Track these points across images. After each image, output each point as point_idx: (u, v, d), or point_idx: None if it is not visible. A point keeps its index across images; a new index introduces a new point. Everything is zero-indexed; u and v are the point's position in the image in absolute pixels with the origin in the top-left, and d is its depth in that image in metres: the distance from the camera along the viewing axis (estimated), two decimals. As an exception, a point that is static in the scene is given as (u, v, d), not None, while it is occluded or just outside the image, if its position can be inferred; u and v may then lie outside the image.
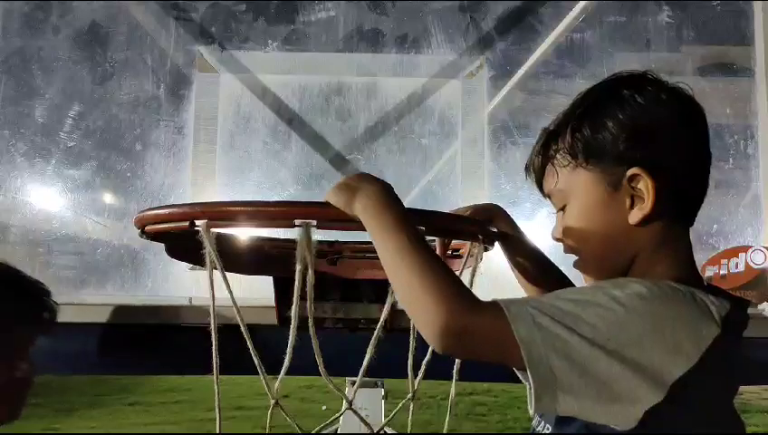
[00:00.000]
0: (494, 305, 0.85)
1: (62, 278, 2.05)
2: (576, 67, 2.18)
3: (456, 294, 0.86)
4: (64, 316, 1.89)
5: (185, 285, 2.01)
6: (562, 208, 1.01)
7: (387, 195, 1.00)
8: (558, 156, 0.99)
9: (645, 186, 0.91)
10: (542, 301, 0.86)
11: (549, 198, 1.05)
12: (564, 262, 1.24)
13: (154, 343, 1.97)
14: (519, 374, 0.92)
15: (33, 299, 1.30)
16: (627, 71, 1.00)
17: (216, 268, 1.14)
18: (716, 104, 2.06)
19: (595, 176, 0.95)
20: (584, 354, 0.80)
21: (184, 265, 1.92)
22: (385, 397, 2.07)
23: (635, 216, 0.92)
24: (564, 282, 1.23)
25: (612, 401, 0.80)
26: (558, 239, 1.03)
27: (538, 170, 1.04)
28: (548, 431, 0.96)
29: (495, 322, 0.83)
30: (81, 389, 9.20)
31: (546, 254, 1.26)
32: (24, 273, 1.31)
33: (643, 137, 0.92)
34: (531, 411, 0.87)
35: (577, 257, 1.01)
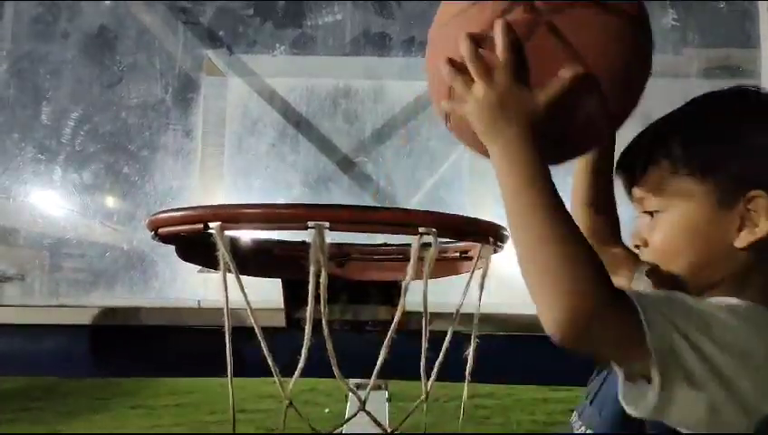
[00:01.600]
0: (629, 302, 0.77)
1: (72, 281, 2.07)
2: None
3: (600, 279, 0.77)
4: (74, 319, 1.91)
5: (193, 288, 2.02)
6: (651, 213, 0.95)
7: (528, 135, 0.84)
8: (667, 161, 0.93)
9: (764, 209, 0.86)
10: (672, 302, 0.81)
11: (638, 200, 0.98)
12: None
13: (163, 345, 1.98)
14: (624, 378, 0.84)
15: None
16: (752, 86, 0.96)
17: (229, 270, 1.15)
18: None
19: (706, 189, 0.89)
20: (703, 377, 0.76)
21: (192, 268, 1.92)
22: (389, 399, 2.07)
23: (744, 239, 0.87)
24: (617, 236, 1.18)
25: (715, 421, 0.78)
26: (638, 245, 0.97)
27: (638, 171, 0.96)
28: (590, 432, 0.95)
29: (628, 320, 0.76)
30: (84, 392, 9.18)
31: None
32: None
33: (765, 156, 0.88)
34: (632, 413, 0.82)
35: (656, 266, 0.95)
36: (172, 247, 1.48)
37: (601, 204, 1.17)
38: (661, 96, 2.33)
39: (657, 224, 0.94)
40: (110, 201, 2.12)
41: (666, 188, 0.92)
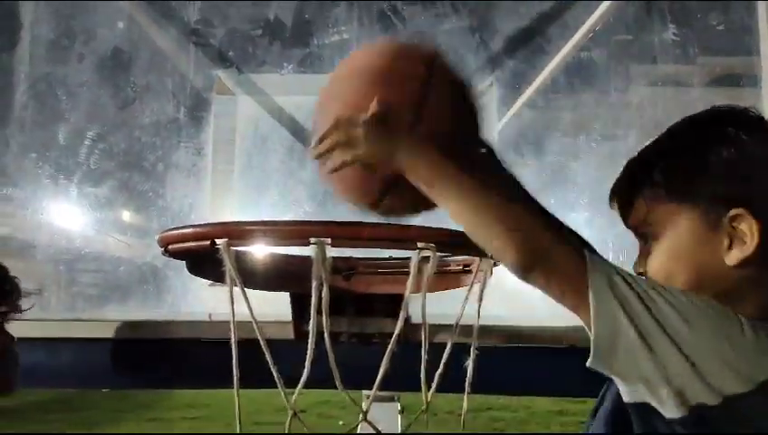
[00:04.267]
0: (578, 248, 0.88)
1: (86, 295, 2.11)
2: (584, 85, 2.21)
3: (544, 224, 0.91)
4: (88, 332, 1.95)
5: (205, 302, 2.05)
6: (647, 242, 0.98)
7: (428, 142, 1.00)
8: (651, 188, 0.96)
9: (749, 227, 0.88)
10: (622, 268, 0.88)
11: (633, 229, 1.01)
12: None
13: (175, 357, 2.00)
14: (586, 327, 0.93)
15: None
16: (726, 105, 0.97)
17: (236, 285, 1.19)
18: None
19: (692, 213, 0.92)
20: (648, 327, 0.82)
21: (204, 282, 1.96)
22: (402, 411, 2.08)
23: (734, 257, 0.89)
24: None
25: (664, 382, 0.82)
26: (640, 273, 0.99)
27: (626, 201, 1.00)
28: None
29: (575, 260, 0.86)
30: (101, 405, 9.23)
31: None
32: None
33: (748, 176, 0.90)
34: (588, 363, 0.87)
35: None
36: (184, 262, 1.51)
37: None
38: (666, 105, 2.34)
39: (652, 251, 0.97)
40: (124, 217, 2.17)
41: (655, 217, 0.95)
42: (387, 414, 2.04)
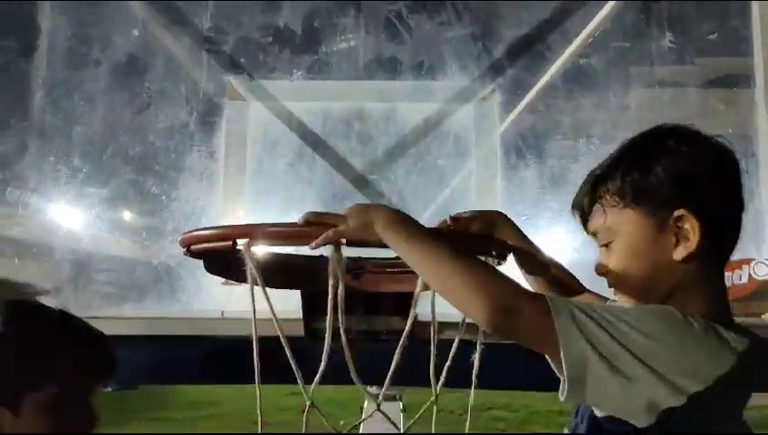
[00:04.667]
0: (540, 296, 0.97)
1: (104, 294, 2.15)
2: (583, 90, 2.27)
3: (505, 279, 0.98)
4: (108, 329, 2.00)
5: (217, 300, 2.10)
6: (606, 245, 1.09)
7: (399, 212, 1.13)
8: (607, 197, 1.07)
9: (691, 226, 1.00)
10: (579, 303, 0.97)
11: (594, 235, 1.12)
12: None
13: (189, 353, 2.05)
14: (554, 367, 1.00)
15: (92, 344, 1.27)
16: (670, 123, 1.09)
17: (257, 284, 1.23)
18: (717, 127, 2.13)
19: (643, 216, 1.03)
20: (613, 352, 0.91)
21: (216, 281, 2.01)
22: (404, 410, 2.13)
23: (680, 253, 1.01)
24: (578, 288, 1.31)
25: (633, 398, 0.91)
26: (601, 273, 1.10)
27: (586, 210, 1.12)
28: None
29: (540, 308, 0.94)
30: (105, 405, 9.20)
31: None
32: (83, 320, 1.30)
33: (688, 182, 1.02)
34: (561, 399, 0.97)
35: (620, 289, 1.09)
36: (197, 262, 1.54)
37: (551, 275, 1.31)
38: (663, 108, 2.38)
39: (610, 253, 1.08)
40: (139, 219, 2.21)
41: (611, 221, 1.07)
42: (390, 413, 2.08)
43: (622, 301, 1.10)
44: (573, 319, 0.93)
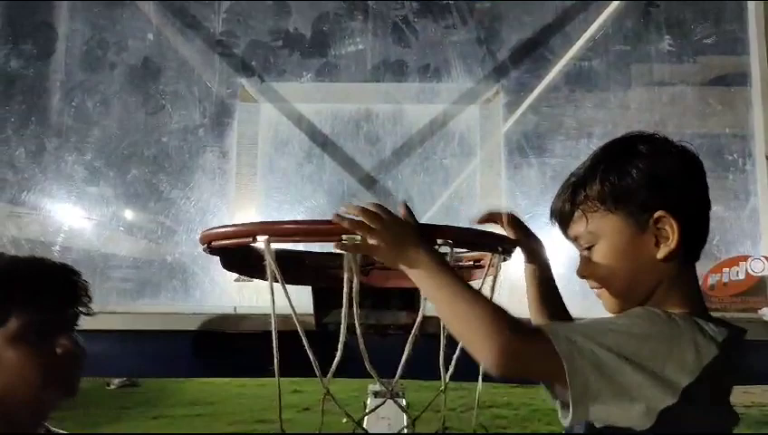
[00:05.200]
0: (539, 330, 1.00)
1: (121, 290, 2.20)
2: (584, 92, 2.31)
3: (509, 325, 1.00)
4: (124, 324, 2.06)
5: (230, 296, 2.16)
6: (588, 249, 1.14)
7: (427, 248, 1.14)
8: (587, 202, 1.12)
9: (670, 226, 1.06)
10: (573, 325, 1.02)
11: (574, 240, 1.18)
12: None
13: (202, 349, 2.09)
14: (547, 393, 1.07)
15: (63, 280, 1.28)
16: (638, 131, 1.15)
17: (276, 280, 1.27)
18: (715, 126, 2.18)
19: (624, 218, 1.09)
20: (612, 366, 0.95)
21: (229, 278, 2.07)
22: (407, 407, 2.16)
23: (662, 252, 1.07)
24: (561, 307, 1.39)
25: (633, 404, 0.96)
26: (583, 276, 1.16)
27: (566, 216, 1.17)
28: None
29: (543, 343, 0.97)
30: (106, 402, 9.26)
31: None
32: (48, 258, 1.30)
33: (664, 184, 1.07)
34: (565, 423, 1.03)
35: (602, 291, 1.15)
36: (211, 259, 1.56)
37: (549, 298, 1.39)
38: (662, 108, 2.43)
39: (592, 256, 1.13)
40: (154, 217, 2.25)
41: (593, 225, 1.12)
42: (392, 410, 2.12)
43: (606, 302, 1.15)
44: (569, 340, 0.97)
